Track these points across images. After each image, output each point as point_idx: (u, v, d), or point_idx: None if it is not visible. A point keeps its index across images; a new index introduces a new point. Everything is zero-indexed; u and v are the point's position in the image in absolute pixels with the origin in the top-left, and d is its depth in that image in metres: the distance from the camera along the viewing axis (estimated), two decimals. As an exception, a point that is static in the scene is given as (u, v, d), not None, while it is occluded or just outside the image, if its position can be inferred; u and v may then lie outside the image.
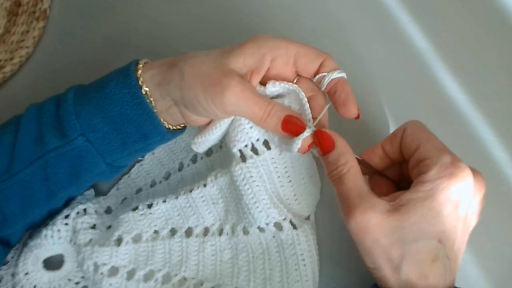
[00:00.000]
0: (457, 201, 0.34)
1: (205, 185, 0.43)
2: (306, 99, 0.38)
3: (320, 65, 0.38)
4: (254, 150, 0.40)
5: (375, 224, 0.34)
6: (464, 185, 0.34)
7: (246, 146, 0.40)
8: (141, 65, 0.39)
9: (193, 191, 0.43)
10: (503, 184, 0.46)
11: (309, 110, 0.38)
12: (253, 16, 0.55)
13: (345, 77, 0.38)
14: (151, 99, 0.38)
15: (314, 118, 0.38)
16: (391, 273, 0.35)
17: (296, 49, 0.38)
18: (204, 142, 0.41)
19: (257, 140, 0.40)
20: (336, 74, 0.38)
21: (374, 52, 0.52)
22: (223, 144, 0.44)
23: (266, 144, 0.41)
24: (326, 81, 0.38)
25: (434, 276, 0.34)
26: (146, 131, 0.39)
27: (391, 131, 0.48)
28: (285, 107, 0.38)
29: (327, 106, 0.39)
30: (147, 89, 0.38)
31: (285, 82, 0.38)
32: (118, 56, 0.54)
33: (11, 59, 0.53)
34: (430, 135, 0.36)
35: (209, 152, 0.48)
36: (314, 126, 0.38)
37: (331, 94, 0.38)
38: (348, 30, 0.54)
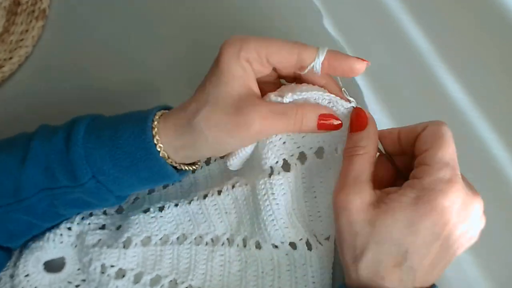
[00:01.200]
0: (438, 219, 0.33)
1: (219, 193, 0.42)
2: (331, 95, 0.37)
3: (299, 59, 0.36)
4: (286, 166, 0.40)
5: (353, 209, 0.34)
6: (448, 206, 0.33)
7: (277, 162, 0.39)
8: (156, 125, 0.37)
9: (207, 198, 0.42)
10: (504, 184, 0.46)
11: (335, 97, 0.38)
12: (252, 16, 0.55)
13: (328, 48, 0.37)
14: (171, 159, 0.38)
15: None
16: (351, 261, 0.35)
17: (264, 49, 0.36)
18: (238, 161, 0.40)
19: (291, 155, 0.40)
20: (322, 56, 0.36)
21: (374, 52, 0.52)
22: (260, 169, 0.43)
23: (301, 157, 0.40)
24: (318, 67, 0.36)
25: (390, 280, 0.34)
26: (158, 179, 0.39)
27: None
28: (313, 106, 0.37)
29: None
30: (166, 153, 0.37)
31: (304, 85, 0.37)
32: (117, 55, 0.54)
33: (10, 58, 0.53)
34: (445, 143, 0.35)
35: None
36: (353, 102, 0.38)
37: (332, 71, 0.37)
38: (348, 30, 0.53)
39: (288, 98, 0.37)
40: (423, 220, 0.33)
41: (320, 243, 0.42)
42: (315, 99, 0.37)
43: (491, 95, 0.50)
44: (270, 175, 0.39)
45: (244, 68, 0.36)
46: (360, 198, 0.34)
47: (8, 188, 0.38)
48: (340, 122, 0.37)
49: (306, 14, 0.55)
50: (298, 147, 0.40)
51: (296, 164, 0.40)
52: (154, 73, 0.53)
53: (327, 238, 0.43)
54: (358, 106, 0.38)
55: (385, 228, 0.33)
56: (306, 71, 0.36)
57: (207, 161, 0.48)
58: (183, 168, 0.39)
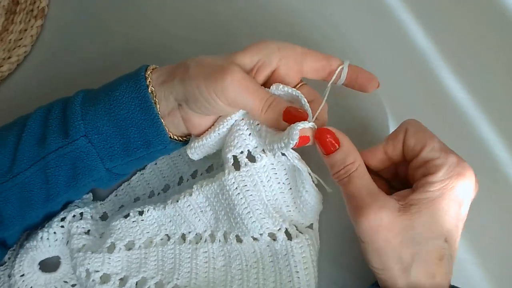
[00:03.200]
0: (461, 200, 0.35)
1: (190, 194, 0.42)
2: (308, 104, 0.37)
3: (327, 63, 0.39)
4: (251, 157, 0.39)
5: (387, 223, 0.34)
6: (469, 184, 0.35)
7: (241, 152, 0.39)
8: (149, 71, 0.39)
9: (179, 201, 0.42)
10: (504, 184, 0.46)
11: (310, 109, 0.37)
12: (254, 17, 0.55)
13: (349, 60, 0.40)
14: (156, 99, 0.38)
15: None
16: (400, 273, 0.34)
17: (302, 49, 0.39)
18: (200, 148, 0.40)
19: (255, 147, 0.39)
20: (347, 62, 0.40)
21: (375, 51, 0.52)
22: (223, 162, 0.42)
23: (265, 151, 0.40)
24: (345, 70, 0.39)
25: (440, 275, 0.34)
26: (149, 137, 0.39)
27: (392, 130, 0.48)
28: (286, 102, 0.38)
29: (324, 101, 0.39)
30: (153, 88, 0.38)
31: (289, 87, 0.38)
32: (116, 55, 0.54)
33: (9, 57, 0.54)
34: (432, 134, 0.36)
35: (209, 169, 0.47)
36: (315, 124, 0.37)
37: (352, 81, 0.40)
38: (349, 30, 0.53)
39: (273, 88, 0.38)
40: (452, 205, 0.34)
41: (300, 232, 0.41)
42: (298, 98, 0.38)
43: (492, 94, 0.49)
44: (237, 168, 0.39)
45: (270, 56, 0.38)
46: (386, 210, 0.34)
47: (5, 165, 0.39)
48: (306, 114, 0.36)
49: (306, 14, 0.54)
50: (261, 144, 0.39)
51: (260, 155, 0.39)
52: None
53: (309, 226, 0.42)
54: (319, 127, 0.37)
55: (424, 226, 0.34)
56: (335, 75, 0.39)
57: (194, 175, 0.48)
58: (171, 136, 0.40)
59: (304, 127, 0.35)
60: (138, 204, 0.47)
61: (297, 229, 0.42)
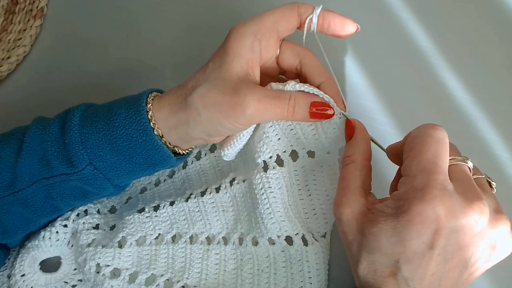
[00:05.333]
0: (422, 227, 0.31)
1: (217, 191, 0.43)
2: (326, 95, 0.38)
3: (298, 15, 0.38)
4: (279, 161, 0.40)
5: (345, 220, 0.35)
6: (430, 212, 0.31)
7: (270, 157, 0.40)
8: (150, 103, 0.38)
9: (205, 196, 0.43)
10: (504, 184, 0.46)
11: (332, 101, 0.38)
12: (251, 14, 0.54)
13: (321, 5, 0.39)
14: (165, 139, 0.38)
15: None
16: (353, 268, 0.35)
17: (272, 18, 0.38)
18: (234, 151, 0.41)
19: (284, 151, 0.41)
20: (318, 10, 0.38)
21: (375, 51, 0.52)
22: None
23: (293, 155, 0.41)
24: (315, 20, 0.38)
25: None
26: (155, 161, 0.39)
27: (393, 131, 0.48)
28: (306, 94, 0.38)
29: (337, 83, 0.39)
30: (159, 130, 0.37)
31: (304, 85, 0.38)
32: (116, 54, 0.54)
33: (8, 58, 0.53)
34: (425, 147, 0.33)
35: (212, 148, 0.48)
36: (342, 113, 0.38)
37: (325, 28, 0.39)
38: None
39: (289, 86, 0.37)
40: (407, 230, 0.32)
41: (316, 239, 0.42)
42: (315, 94, 0.38)
43: (493, 94, 0.49)
44: (265, 169, 0.40)
45: (253, 48, 0.37)
46: (349, 208, 0.35)
47: (4, 179, 0.38)
48: (332, 112, 0.38)
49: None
50: (291, 145, 0.41)
51: (288, 160, 0.41)
52: (153, 72, 0.53)
53: (323, 236, 0.43)
54: (347, 115, 0.38)
55: (373, 237, 0.33)
56: (305, 25, 0.38)
57: (198, 156, 0.48)
58: (177, 151, 0.39)
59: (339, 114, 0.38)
60: (146, 195, 0.47)
61: (313, 236, 0.42)
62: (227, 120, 0.36)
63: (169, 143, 0.38)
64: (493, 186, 0.37)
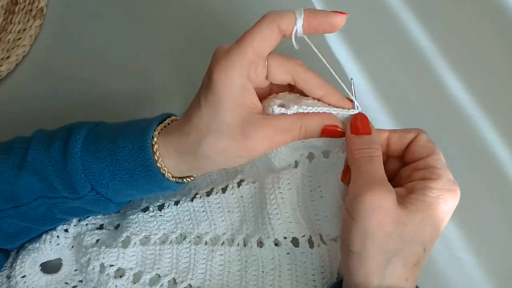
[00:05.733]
0: (444, 218, 0.35)
1: (224, 191, 0.43)
2: (334, 108, 0.37)
3: (280, 30, 0.35)
4: (295, 162, 0.41)
5: (388, 208, 0.33)
6: (453, 206, 0.35)
7: (289, 165, 0.41)
8: (155, 144, 0.36)
9: (210, 196, 0.43)
10: (505, 184, 0.46)
11: (341, 111, 0.37)
12: (251, 16, 0.54)
13: (304, 9, 0.36)
14: (168, 174, 0.37)
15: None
16: (379, 265, 0.33)
17: (252, 47, 0.34)
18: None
19: (301, 155, 0.40)
20: (300, 18, 0.35)
21: (375, 51, 0.52)
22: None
23: (310, 156, 0.41)
24: (300, 31, 0.35)
25: (412, 280, 0.34)
26: (157, 192, 0.39)
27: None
28: (317, 116, 0.37)
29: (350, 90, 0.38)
30: (166, 169, 0.37)
31: (310, 106, 0.37)
32: (116, 55, 0.54)
33: (8, 57, 0.53)
34: (437, 149, 0.37)
35: None
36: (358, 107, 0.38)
37: (312, 28, 0.35)
38: (349, 29, 0.53)
39: (293, 110, 0.36)
40: (438, 218, 0.34)
41: (324, 242, 0.41)
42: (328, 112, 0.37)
43: (493, 94, 0.50)
44: (278, 170, 0.40)
45: (245, 87, 0.35)
46: (393, 197, 0.34)
47: (5, 193, 0.37)
48: (343, 130, 0.37)
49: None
50: (308, 149, 0.40)
51: (304, 162, 0.40)
52: (153, 72, 0.53)
53: (334, 239, 0.42)
54: (360, 110, 0.38)
55: (414, 228, 0.34)
56: (293, 38, 0.35)
57: None
58: (182, 180, 0.39)
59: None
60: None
61: (321, 239, 0.42)
62: (242, 159, 0.37)
63: (173, 176, 0.38)
64: None
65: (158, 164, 0.36)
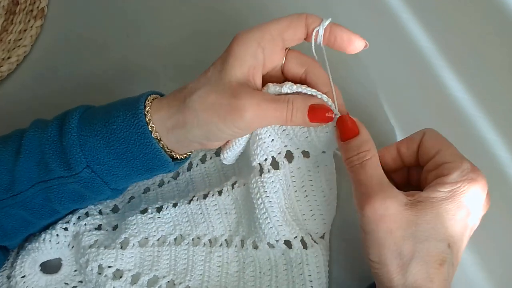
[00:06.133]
0: (470, 208, 0.34)
1: (220, 193, 0.43)
2: (324, 95, 0.38)
3: (306, 26, 0.38)
4: (275, 163, 0.40)
5: (392, 214, 0.33)
6: (480, 193, 0.34)
7: (265, 160, 0.40)
8: (148, 107, 0.38)
9: (207, 198, 0.43)
10: (505, 184, 0.46)
11: (330, 101, 0.38)
12: (251, 17, 0.55)
13: (330, 19, 0.38)
14: (163, 142, 0.38)
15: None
16: (398, 270, 0.34)
17: (278, 27, 0.37)
18: (233, 154, 0.41)
19: (279, 153, 0.40)
20: (326, 23, 0.37)
21: (375, 51, 0.52)
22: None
23: (288, 156, 0.41)
24: (321, 32, 0.37)
25: (438, 281, 0.34)
26: (153, 166, 0.39)
27: (393, 130, 0.48)
28: (305, 97, 0.37)
29: (333, 89, 0.39)
30: (157, 133, 0.37)
31: (301, 86, 0.38)
32: (116, 55, 0.54)
33: (8, 58, 0.54)
34: (449, 143, 0.37)
35: (218, 152, 0.48)
36: (337, 111, 0.38)
37: (332, 42, 0.38)
38: (349, 29, 0.53)
39: (286, 88, 0.37)
40: (460, 210, 0.34)
41: (315, 241, 0.42)
42: (313, 95, 0.38)
43: (493, 94, 0.49)
44: (260, 173, 0.40)
45: (255, 55, 0.36)
46: (397, 201, 0.34)
47: (3, 182, 0.38)
48: (332, 115, 0.37)
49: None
50: (285, 146, 0.40)
51: (284, 162, 0.40)
52: (154, 73, 0.53)
53: (322, 236, 0.43)
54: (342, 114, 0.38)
55: (428, 225, 0.33)
56: (313, 37, 0.37)
57: (203, 159, 0.48)
58: (174, 155, 0.39)
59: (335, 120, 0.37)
60: (149, 195, 0.47)
61: (312, 239, 0.42)
62: (225, 124, 0.36)
63: (167, 147, 0.38)
64: None
65: (149, 128, 0.37)
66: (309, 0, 0.55)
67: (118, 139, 0.37)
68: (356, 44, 0.37)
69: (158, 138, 0.37)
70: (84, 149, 0.37)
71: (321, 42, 0.38)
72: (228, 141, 0.40)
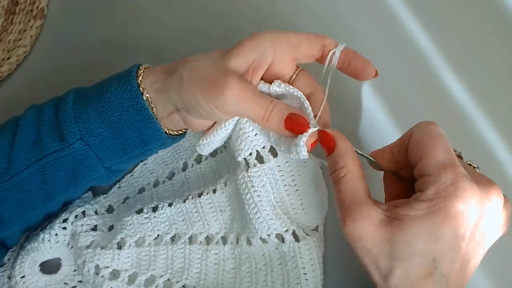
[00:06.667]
0: (457, 221, 0.32)
1: (214, 191, 0.43)
2: (307, 102, 0.38)
3: (322, 46, 0.38)
4: (259, 158, 0.40)
5: (366, 234, 0.33)
6: (465, 206, 0.32)
7: (250, 154, 0.40)
8: (141, 71, 0.38)
9: (202, 196, 0.43)
10: (505, 184, 0.46)
11: (310, 109, 0.37)
12: (254, 15, 0.55)
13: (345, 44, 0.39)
14: (152, 105, 0.38)
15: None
16: (381, 280, 0.34)
17: (296, 37, 0.38)
18: (209, 144, 0.40)
19: (263, 147, 0.40)
20: (342, 46, 0.38)
21: (375, 51, 0.52)
22: (227, 144, 0.43)
23: (272, 150, 0.40)
24: (337, 54, 0.38)
25: None
26: (146, 137, 0.39)
27: (393, 131, 0.48)
28: (288, 106, 0.37)
29: (324, 100, 0.39)
30: (148, 95, 0.38)
31: (290, 86, 0.38)
32: (115, 56, 0.54)
33: (8, 58, 0.53)
34: (436, 143, 0.34)
35: (213, 153, 0.48)
36: (317, 124, 0.37)
37: (345, 66, 0.38)
38: (349, 29, 0.53)
39: (275, 86, 0.38)
40: (442, 227, 0.32)
41: (307, 234, 0.42)
42: (298, 97, 0.38)
43: (493, 94, 0.49)
44: (247, 168, 0.40)
45: (264, 53, 0.37)
46: (368, 221, 0.33)
47: (1, 166, 0.38)
48: (307, 126, 0.36)
49: (307, 13, 0.54)
50: (269, 140, 0.40)
51: (268, 157, 0.40)
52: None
53: (315, 229, 0.43)
54: (320, 128, 0.37)
55: (405, 244, 0.32)
56: (328, 58, 0.38)
57: (198, 160, 0.48)
58: (167, 131, 0.39)
59: (308, 135, 0.36)
60: (144, 195, 0.47)
61: (304, 231, 0.42)
62: (203, 98, 0.35)
63: (157, 117, 0.38)
64: (477, 171, 0.38)
65: (141, 89, 0.37)
66: (309, 0, 0.55)
67: (112, 106, 0.37)
68: (369, 72, 0.38)
69: (149, 100, 0.38)
70: (78, 121, 0.38)
71: (335, 65, 0.38)
72: (207, 131, 0.40)
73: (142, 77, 0.38)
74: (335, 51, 0.38)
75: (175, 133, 0.40)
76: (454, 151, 0.35)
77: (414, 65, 0.51)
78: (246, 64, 0.37)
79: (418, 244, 0.32)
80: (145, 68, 0.39)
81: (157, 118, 0.38)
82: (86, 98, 0.39)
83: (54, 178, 0.39)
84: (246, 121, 0.39)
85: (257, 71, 0.37)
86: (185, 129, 0.41)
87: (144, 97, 0.37)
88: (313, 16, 0.54)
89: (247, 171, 0.40)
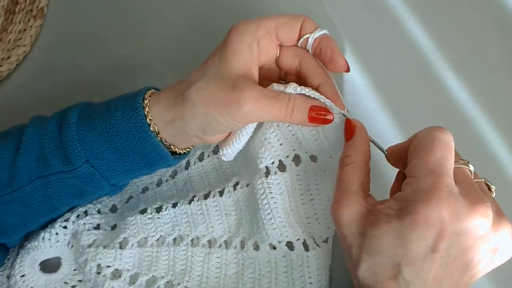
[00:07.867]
0: (425, 230, 0.31)
1: (221, 194, 0.43)
2: (323, 97, 0.37)
3: (301, 29, 0.38)
4: (282, 166, 0.40)
5: (346, 222, 0.34)
6: (434, 216, 0.31)
7: (273, 163, 0.40)
8: (147, 100, 0.38)
9: (208, 198, 0.43)
10: (505, 184, 0.46)
11: (329, 102, 0.37)
12: (251, 15, 0.54)
13: (327, 33, 0.38)
14: (161, 135, 0.38)
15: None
16: (352, 269, 0.35)
17: (274, 23, 0.37)
18: (233, 151, 0.40)
19: (287, 156, 0.40)
20: (318, 33, 0.37)
21: (375, 51, 0.52)
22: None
23: (296, 160, 0.41)
24: (310, 41, 0.38)
25: None
26: (152, 160, 0.39)
27: (393, 131, 0.48)
28: (306, 98, 0.37)
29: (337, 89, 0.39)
30: (156, 127, 0.37)
31: (306, 89, 0.37)
32: (116, 55, 0.54)
33: (8, 58, 0.53)
34: (432, 148, 0.33)
35: (215, 150, 0.48)
36: (342, 113, 0.38)
37: (317, 53, 0.38)
38: (349, 29, 0.53)
39: (290, 88, 0.37)
40: (410, 232, 0.31)
41: (317, 245, 0.42)
42: (317, 99, 0.37)
43: (493, 94, 0.49)
44: (267, 175, 0.40)
45: (251, 48, 0.36)
46: (349, 210, 0.34)
47: (3, 178, 0.38)
48: (331, 117, 0.37)
49: (307, 12, 0.54)
50: (294, 150, 0.40)
51: (291, 165, 0.40)
52: (154, 71, 0.53)
53: (325, 241, 0.43)
54: (348, 115, 0.38)
55: (375, 239, 0.33)
56: (301, 40, 0.38)
57: (200, 157, 0.48)
58: (173, 149, 0.39)
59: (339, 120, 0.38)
60: (148, 195, 0.47)
61: (314, 242, 0.42)
62: (222, 116, 0.35)
63: (165, 141, 0.38)
64: (492, 190, 0.37)
65: (148, 121, 0.37)
66: (308, 0, 0.55)
67: (117, 133, 0.37)
68: (337, 65, 0.37)
69: (157, 131, 0.37)
70: (83, 144, 0.37)
71: (310, 50, 0.38)
72: (227, 138, 0.40)
73: (148, 108, 0.37)
74: (308, 38, 0.37)
75: (184, 151, 0.40)
76: (466, 163, 0.35)
77: (414, 65, 0.51)
78: (241, 67, 0.36)
79: (386, 242, 0.32)
80: (151, 93, 0.38)
81: (166, 142, 0.38)
82: (90, 120, 0.38)
83: (59, 195, 0.39)
84: (272, 131, 0.39)
85: (253, 67, 0.37)
86: (192, 146, 0.41)
87: (151, 128, 0.37)
88: (313, 16, 0.54)
89: (267, 177, 0.40)
